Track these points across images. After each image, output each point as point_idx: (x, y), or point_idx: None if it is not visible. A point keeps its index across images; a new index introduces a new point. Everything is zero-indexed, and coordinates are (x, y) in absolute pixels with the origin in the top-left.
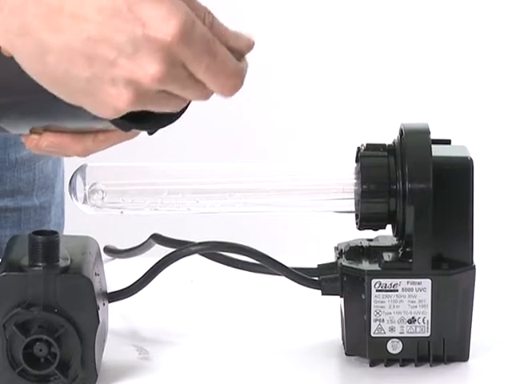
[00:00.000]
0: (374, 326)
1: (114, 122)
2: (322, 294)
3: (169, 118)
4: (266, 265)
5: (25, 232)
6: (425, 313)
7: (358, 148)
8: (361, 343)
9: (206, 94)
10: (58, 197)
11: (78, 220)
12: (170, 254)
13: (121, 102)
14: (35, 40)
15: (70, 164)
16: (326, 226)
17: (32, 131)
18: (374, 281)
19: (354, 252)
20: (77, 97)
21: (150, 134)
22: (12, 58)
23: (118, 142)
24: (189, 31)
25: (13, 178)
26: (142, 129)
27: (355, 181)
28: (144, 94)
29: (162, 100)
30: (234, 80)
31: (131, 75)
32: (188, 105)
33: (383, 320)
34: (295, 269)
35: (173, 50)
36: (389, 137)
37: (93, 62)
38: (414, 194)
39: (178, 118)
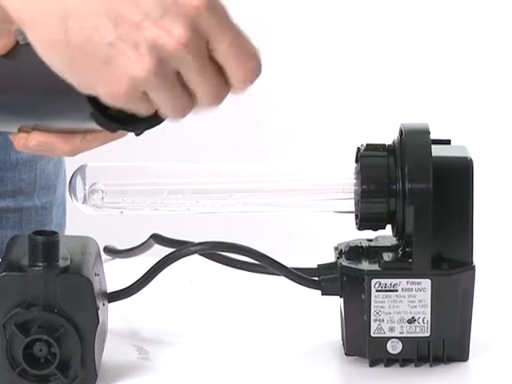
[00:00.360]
0: (373, 326)
1: (100, 123)
2: (322, 294)
3: (154, 120)
4: (266, 265)
5: (26, 233)
6: (424, 313)
7: (358, 148)
8: (361, 343)
9: (221, 90)
10: (59, 197)
11: (78, 220)
12: (169, 254)
13: (140, 68)
14: (58, 4)
15: (71, 165)
16: (326, 226)
17: (20, 130)
18: (373, 281)
19: (354, 252)
20: (91, 71)
21: (137, 135)
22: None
23: (106, 142)
24: (215, 2)
25: (14, 179)
26: (128, 130)
27: (355, 181)
28: (165, 63)
29: (176, 86)
30: (255, 63)
31: (156, 39)
32: None
33: (383, 320)
34: (295, 269)
35: (199, 16)
36: (389, 137)
37: (118, 24)
38: (413, 194)
39: (163, 120)
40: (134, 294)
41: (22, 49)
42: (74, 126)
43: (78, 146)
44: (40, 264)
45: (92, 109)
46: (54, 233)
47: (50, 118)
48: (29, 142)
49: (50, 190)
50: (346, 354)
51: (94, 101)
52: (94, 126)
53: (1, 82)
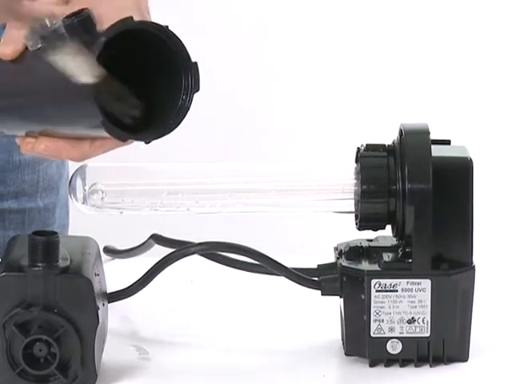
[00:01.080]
0: (373, 326)
1: (110, 131)
2: (322, 294)
3: (164, 129)
4: (266, 265)
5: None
6: (424, 313)
7: (358, 148)
8: (360, 343)
9: None
10: (62, 198)
11: (78, 220)
12: (169, 254)
13: None
14: None
15: (74, 166)
16: (326, 226)
17: (27, 134)
18: (373, 281)
19: (354, 252)
20: None
21: (147, 143)
22: (7, 62)
23: (114, 148)
24: None
25: (17, 180)
26: (138, 139)
27: (355, 181)
28: None
29: None
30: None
31: None
32: (184, 116)
33: (383, 320)
34: (295, 269)
35: None
36: (389, 137)
37: None
38: (413, 195)
39: (173, 129)
40: (133, 294)
41: (31, 54)
42: (83, 132)
43: (86, 152)
44: (40, 264)
45: (102, 117)
46: (54, 233)
47: (59, 125)
48: (37, 146)
49: (53, 191)
50: (345, 354)
51: (104, 109)
52: (103, 133)
53: (11, 87)
